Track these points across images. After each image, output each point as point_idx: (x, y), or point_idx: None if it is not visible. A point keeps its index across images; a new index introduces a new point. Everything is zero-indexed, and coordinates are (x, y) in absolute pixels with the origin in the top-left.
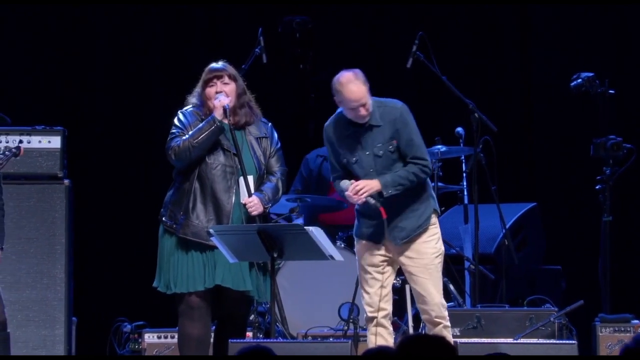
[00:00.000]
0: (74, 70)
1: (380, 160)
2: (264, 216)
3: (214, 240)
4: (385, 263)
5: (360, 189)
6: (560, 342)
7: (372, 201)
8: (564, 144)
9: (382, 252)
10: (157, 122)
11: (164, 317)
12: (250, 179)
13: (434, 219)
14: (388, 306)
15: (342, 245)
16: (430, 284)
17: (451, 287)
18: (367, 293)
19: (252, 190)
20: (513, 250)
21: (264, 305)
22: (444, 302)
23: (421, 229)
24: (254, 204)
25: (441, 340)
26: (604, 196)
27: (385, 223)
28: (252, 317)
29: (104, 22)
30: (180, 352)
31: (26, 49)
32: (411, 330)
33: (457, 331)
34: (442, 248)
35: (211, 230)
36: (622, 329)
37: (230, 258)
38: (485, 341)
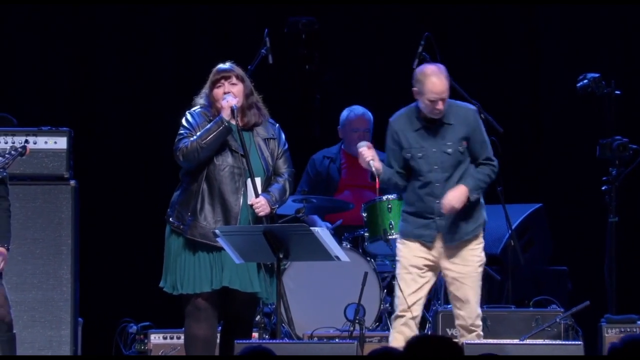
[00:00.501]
0: (80, 70)
1: (447, 157)
2: (271, 217)
3: (220, 241)
4: (427, 267)
5: (454, 203)
6: (566, 343)
7: (372, 169)
8: (570, 144)
9: (428, 255)
10: (164, 123)
11: (170, 317)
12: (258, 180)
13: (482, 231)
14: (419, 310)
15: (348, 246)
16: (471, 292)
17: None
18: (402, 292)
19: (260, 192)
20: (519, 251)
21: (269, 306)
22: (480, 311)
23: (473, 233)
24: (261, 205)
25: (447, 341)
26: (610, 197)
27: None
28: (258, 318)
29: (111, 22)
30: (186, 353)
31: (32, 49)
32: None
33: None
34: (484, 258)
35: (217, 231)
36: (628, 330)
37: (236, 259)
38: (491, 342)
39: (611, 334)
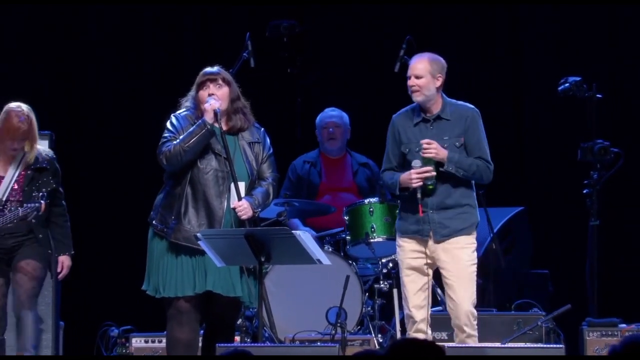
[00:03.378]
0: (62, 73)
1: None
2: (254, 220)
3: (202, 245)
4: (426, 266)
5: (431, 148)
6: (548, 346)
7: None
8: (552, 148)
9: (425, 252)
10: (147, 125)
11: (151, 321)
12: (242, 184)
13: (474, 231)
14: (424, 312)
15: (330, 249)
16: (461, 291)
17: (438, 291)
18: (406, 296)
19: (243, 196)
20: (501, 254)
21: (251, 310)
22: (473, 311)
23: (463, 232)
24: (244, 208)
25: (430, 344)
26: (591, 200)
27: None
28: (239, 321)
29: (94, 25)
30: None
31: (15, 52)
32: (399, 334)
33: (444, 335)
34: (476, 259)
35: (199, 235)
36: (610, 333)
37: (218, 262)
38: (473, 345)
39: (592, 337)
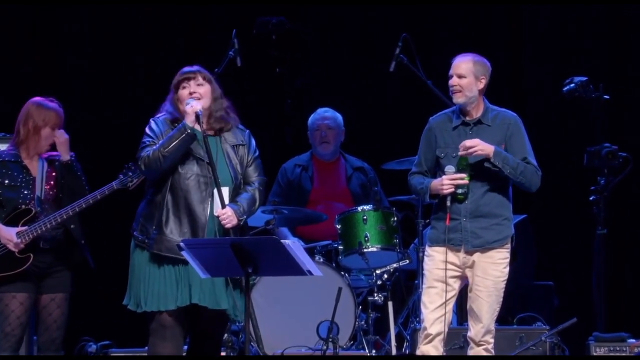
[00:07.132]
0: (39, 75)
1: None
2: (241, 228)
3: (185, 255)
4: (452, 279)
5: (476, 147)
6: None
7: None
8: (557, 152)
9: (455, 262)
10: (128, 131)
11: (132, 335)
12: (226, 190)
13: (508, 244)
14: (444, 326)
15: (321, 260)
16: (485, 307)
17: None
18: (427, 308)
19: (227, 201)
20: None
21: (237, 324)
22: (492, 328)
23: (497, 244)
24: (228, 216)
25: None
26: (599, 208)
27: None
28: (225, 336)
29: (75, 27)
30: None
31: (1, 52)
32: (394, 350)
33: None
34: (507, 274)
35: (182, 244)
36: (618, 349)
37: (202, 273)
38: None
39: (600, 353)
